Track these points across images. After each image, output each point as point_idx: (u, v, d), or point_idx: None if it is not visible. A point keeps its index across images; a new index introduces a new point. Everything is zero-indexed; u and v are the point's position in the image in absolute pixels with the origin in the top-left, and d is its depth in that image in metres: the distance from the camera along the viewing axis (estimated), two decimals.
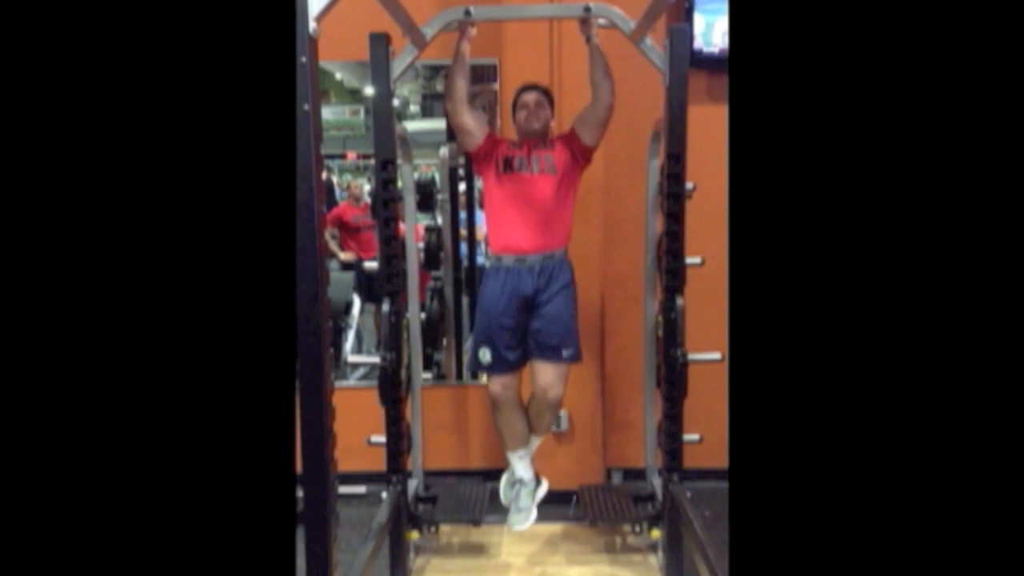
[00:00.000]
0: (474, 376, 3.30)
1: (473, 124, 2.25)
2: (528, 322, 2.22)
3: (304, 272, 1.38)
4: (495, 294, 2.21)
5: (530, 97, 2.29)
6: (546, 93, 2.33)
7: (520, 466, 2.38)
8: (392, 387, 2.24)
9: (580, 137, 2.25)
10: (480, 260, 3.36)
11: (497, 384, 2.25)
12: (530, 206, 2.20)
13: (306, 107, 1.33)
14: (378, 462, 2.30)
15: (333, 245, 3.91)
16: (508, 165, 2.23)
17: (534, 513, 2.36)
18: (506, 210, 2.22)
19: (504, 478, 2.47)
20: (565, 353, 2.21)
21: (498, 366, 2.23)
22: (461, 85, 2.23)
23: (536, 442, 2.44)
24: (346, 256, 3.90)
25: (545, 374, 2.22)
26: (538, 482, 2.42)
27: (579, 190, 2.31)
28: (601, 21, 2.25)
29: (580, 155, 2.26)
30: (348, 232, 3.96)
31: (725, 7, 2.70)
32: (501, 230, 2.23)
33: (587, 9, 2.20)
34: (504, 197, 2.22)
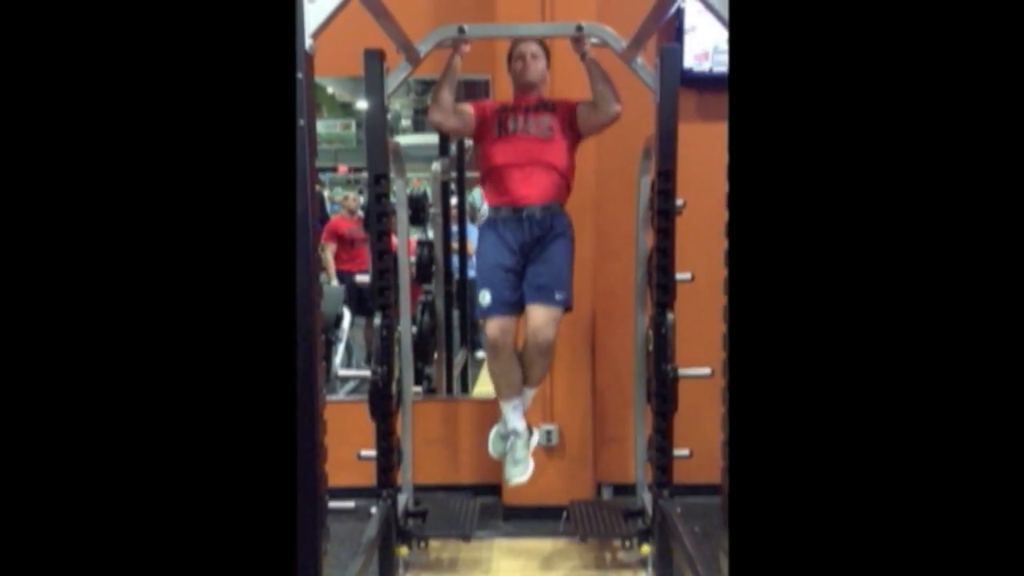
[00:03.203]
0: (464, 390, 3.30)
1: (461, 122, 2.29)
2: (525, 266, 2.24)
3: (298, 285, 1.38)
4: (494, 240, 2.24)
5: (526, 48, 2.29)
6: (542, 45, 2.34)
7: (513, 417, 2.36)
8: (383, 401, 2.23)
9: (579, 121, 2.28)
10: (471, 274, 3.37)
11: (495, 327, 2.24)
12: (527, 162, 2.22)
13: (301, 122, 1.34)
14: (368, 477, 2.28)
15: (329, 254, 3.88)
16: (503, 127, 2.25)
17: (531, 464, 2.36)
18: (503, 167, 2.24)
19: (495, 429, 2.45)
20: (557, 296, 2.23)
21: (496, 308, 2.23)
22: (447, 96, 2.25)
23: (530, 393, 2.42)
24: (336, 272, 3.87)
25: (536, 315, 2.22)
26: (531, 432, 2.42)
27: (575, 167, 2.32)
28: (593, 40, 2.27)
29: (573, 132, 2.29)
30: (343, 245, 3.94)
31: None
32: (498, 185, 2.26)
33: (579, 28, 2.22)
34: (501, 156, 2.25)
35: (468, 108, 2.32)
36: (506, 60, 2.39)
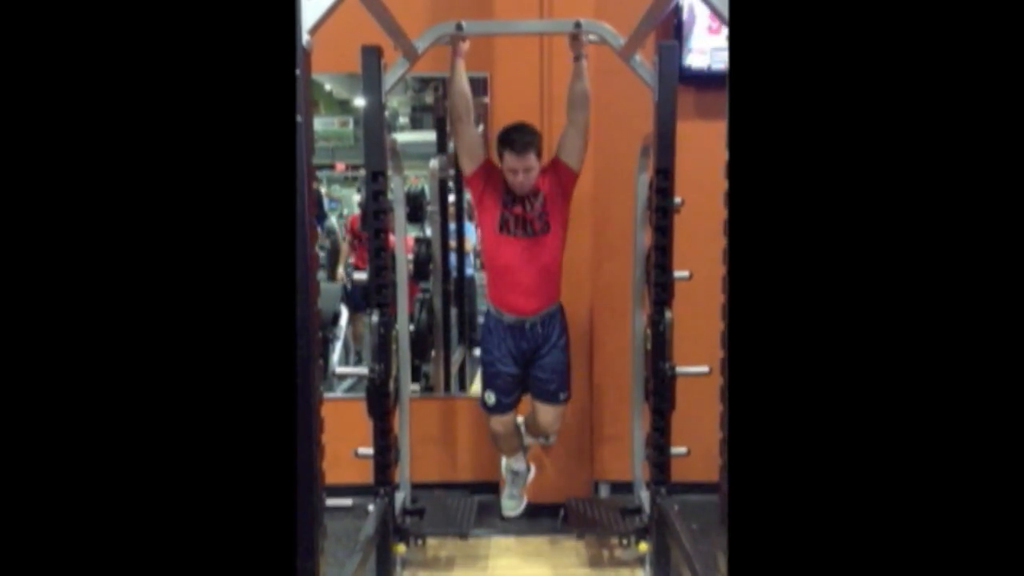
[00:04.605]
0: (461, 388, 3.30)
1: (470, 146, 2.31)
2: (528, 369, 2.42)
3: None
4: (497, 345, 2.40)
5: (519, 164, 2.22)
6: (535, 147, 2.25)
7: (516, 463, 2.59)
8: (380, 399, 2.23)
9: (568, 164, 2.31)
10: (469, 272, 3.37)
11: (498, 423, 2.46)
12: (527, 270, 2.30)
13: (299, 119, 1.33)
14: (365, 474, 2.28)
15: (346, 245, 3.99)
16: (504, 224, 2.30)
17: (525, 500, 2.61)
18: (504, 273, 2.34)
19: (503, 463, 2.68)
20: (562, 396, 2.44)
21: (500, 408, 2.43)
22: (456, 103, 2.27)
23: (530, 440, 2.63)
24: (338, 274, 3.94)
25: (546, 414, 2.45)
26: (529, 469, 2.64)
27: (568, 218, 2.36)
28: (591, 37, 2.27)
29: (567, 181, 2.32)
30: (358, 241, 4.00)
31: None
32: (500, 290, 2.37)
33: (578, 25, 2.22)
34: (502, 260, 2.33)
35: (481, 148, 2.35)
36: (496, 146, 2.30)
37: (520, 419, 2.57)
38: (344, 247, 4.03)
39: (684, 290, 2.28)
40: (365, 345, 3.74)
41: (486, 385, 2.44)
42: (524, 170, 2.24)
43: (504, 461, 2.64)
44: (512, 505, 2.60)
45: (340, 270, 3.99)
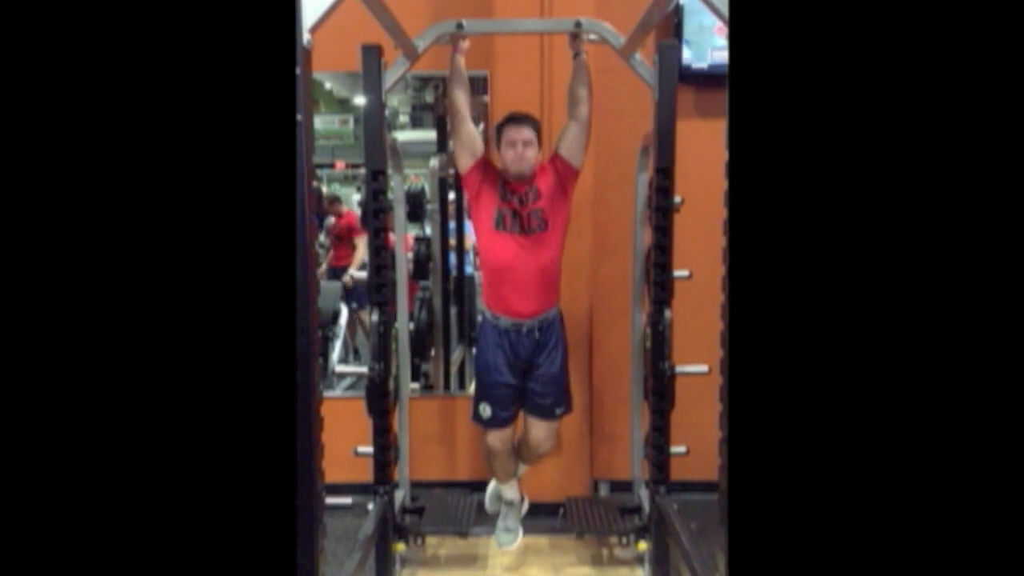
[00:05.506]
0: (461, 387, 3.30)
1: (468, 142, 2.24)
2: (525, 380, 2.31)
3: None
4: (493, 353, 2.28)
5: (518, 135, 2.18)
6: (534, 126, 2.24)
7: (510, 491, 2.47)
8: (380, 398, 2.23)
9: (568, 161, 2.24)
10: (469, 270, 3.37)
11: (495, 438, 2.33)
12: (525, 270, 2.22)
13: (299, 118, 1.33)
14: (364, 473, 2.28)
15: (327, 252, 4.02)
16: (501, 221, 2.23)
17: (521, 531, 2.48)
18: (501, 273, 2.24)
19: (490, 489, 2.54)
20: (557, 411, 2.34)
21: (496, 421, 2.31)
22: (456, 98, 2.23)
23: (524, 468, 2.51)
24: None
25: (538, 430, 2.33)
26: (522, 499, 2.52)
27: (568, 219, 2.30)
28: (592, 36, 2.27)
29: (567, 178, 2.25)
30: (340, 240, 4.00)
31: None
32: (497, 293, 2.27)
33: (578, 24, 2.22)
34: (499, 259, 2.24)
35: (478, 145, 2.26)
36: (495, 133, 2.28)
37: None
38: (325, 250, 4.00)
39: (684, 289, 2.28)
40: (361, 342, 3.76)
41: (481, 397, 2.31)
42: (523, 143, 2.18)
43: (493, 488, 2.52)
44: (508, 539, 2.45)
45: (322, 268, 3.99)
